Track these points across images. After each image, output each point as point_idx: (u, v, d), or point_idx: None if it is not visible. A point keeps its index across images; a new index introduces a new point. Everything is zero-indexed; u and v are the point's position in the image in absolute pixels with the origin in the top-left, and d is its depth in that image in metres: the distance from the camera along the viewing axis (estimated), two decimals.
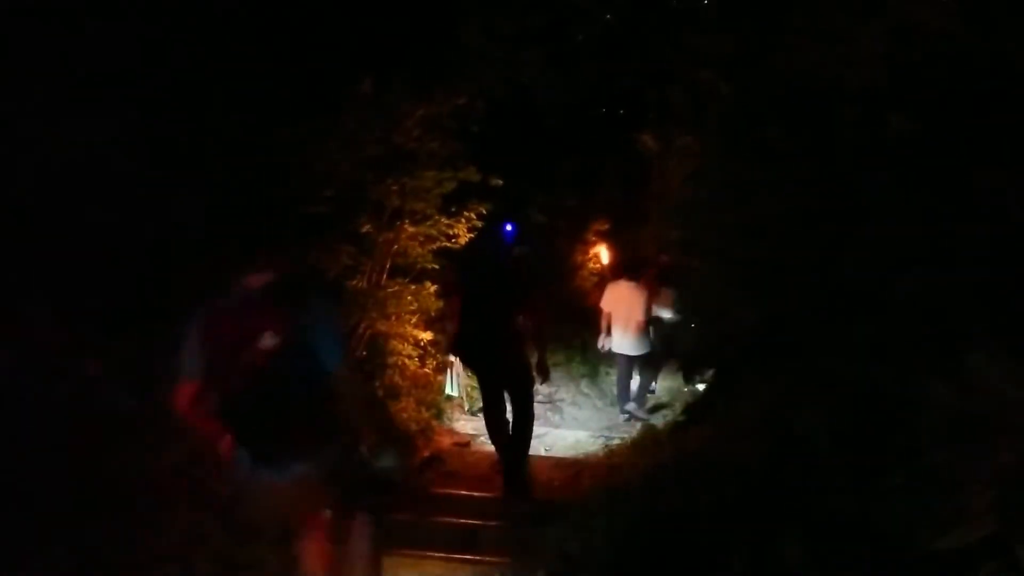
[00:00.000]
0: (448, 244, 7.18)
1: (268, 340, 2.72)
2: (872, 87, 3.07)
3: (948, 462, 2.16)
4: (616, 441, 7.24)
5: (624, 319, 7.97)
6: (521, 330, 5.39)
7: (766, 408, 3.10)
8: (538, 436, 6.81)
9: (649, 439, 5.97)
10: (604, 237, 11.82)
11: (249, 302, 2.83)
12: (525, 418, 5.49)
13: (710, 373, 3.95)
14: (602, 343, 8.42)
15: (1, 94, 3.77)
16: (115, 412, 3.71)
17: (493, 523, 5.07)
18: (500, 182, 7.20)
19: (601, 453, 6.89)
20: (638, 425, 7.84)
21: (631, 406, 8.25)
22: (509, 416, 5.53)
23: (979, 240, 2.60)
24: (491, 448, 6.87)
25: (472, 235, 7.08)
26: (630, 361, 8.18)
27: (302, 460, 2.87)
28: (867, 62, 3.03)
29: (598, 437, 7.89)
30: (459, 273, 5.83)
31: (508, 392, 5.50)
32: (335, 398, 2.94)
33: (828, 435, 2.59)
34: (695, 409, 3.53)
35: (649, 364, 8.19)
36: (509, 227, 5.62)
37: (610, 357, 8.70)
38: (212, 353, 2.83)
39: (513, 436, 5.52)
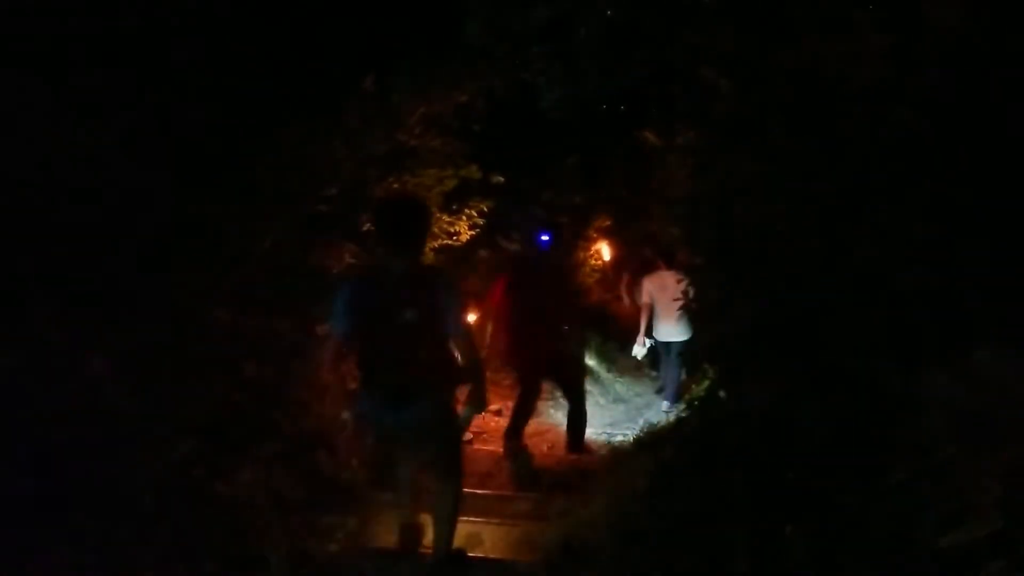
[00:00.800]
0: (450, 242, 7.16)
1: (409, 313, 3.50)
2: (877, 83, 3.06)
3: (953, 459, 2.15)
4: (619, 438, 7.24)
5: (670, 307, 7.87)
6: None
7: (770, 404, 3.10)
8: (540, 433, 6.82)
9: (653, 436, 5.95)
10: (606, 234, 11.81)
11: (394, 282, 3.56)
12: (582, 411, 6.55)
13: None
14: (642, 344, 8.21)
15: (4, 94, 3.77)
16: (120, 411, 3.71)
17: (496, 520, 5.07)
18: (502, 179, 7.20)
19: (604, 450, 6.88)
20: (640, 421, 7.83)
21: (667, 405, 8.17)
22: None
23: (984, 236, 2.60)
24: (491, 447, 6.90)
25: (473, 232, 7.15)
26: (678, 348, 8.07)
27: (422, 403, 3.63)
28: (872, 58, 3.03)
29: (601, 434, 7.89)
30: (510, 283, 6.22)
31: (564, 389, 6.56)
32: (452, 358, 3.75)
33: (832, 431, 2.58)
34: (698, 405, 3.52)
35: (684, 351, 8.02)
36: (545, 236, 6.28)
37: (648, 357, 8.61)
38: (358, 319, 3.59)
39: (573, 430, 6.54)
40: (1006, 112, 2.73)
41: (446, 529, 4.09)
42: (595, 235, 11.99)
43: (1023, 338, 2.28)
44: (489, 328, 6.38)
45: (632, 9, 3.88)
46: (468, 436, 7.38)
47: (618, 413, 8.72)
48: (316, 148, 5.50)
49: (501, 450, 6.50)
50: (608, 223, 11.82)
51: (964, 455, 2.15)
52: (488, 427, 7.66)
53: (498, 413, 8.07)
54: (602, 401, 9.33)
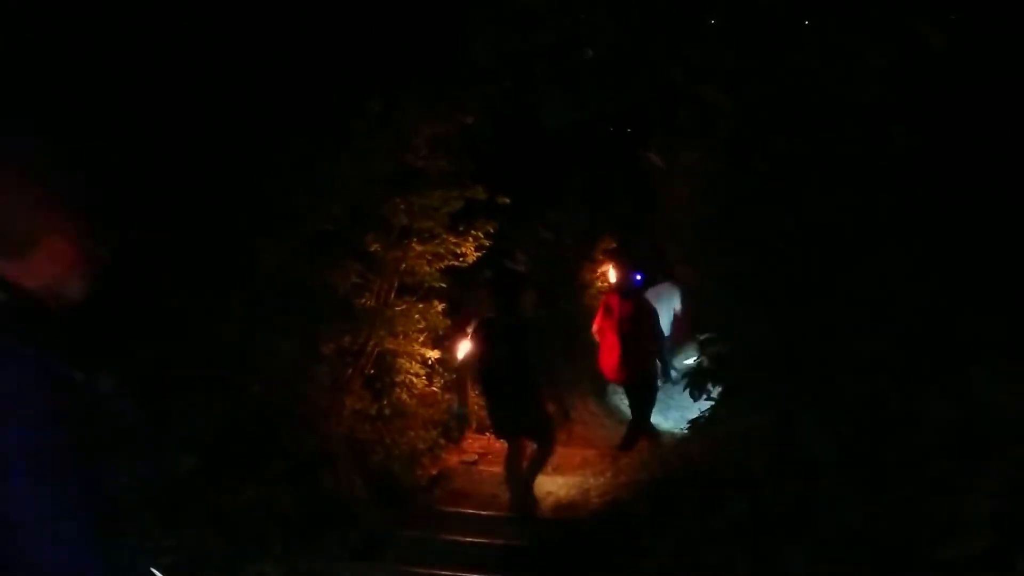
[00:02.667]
0: (456, 263, 7.19)
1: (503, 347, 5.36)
2: (876, 103, 3.08)
3: (948, 474, 2.16)
4: (624, 459, 7.22)
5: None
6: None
7: (772, 422, 3.10)
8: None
9: (656, 457, 5.94)
10: (611, 255, 11.83)
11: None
12: (642, 423, 7.54)
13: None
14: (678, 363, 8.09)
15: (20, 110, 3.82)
16: (125, 426, 3.73)
17: (500, 541, 5.06)
18: (507, 200, 7.23)
19: (609, 471, 6.86)
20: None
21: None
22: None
23: (981, 255, 2.61)
24: (496, 468, 6.89)
25: (479, 253, 7.17)
26: None
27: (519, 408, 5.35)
28: (871, 78, 3.05)
29: (605, 456, 7.87)
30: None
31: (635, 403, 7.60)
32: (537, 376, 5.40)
33: (833, 448, 2.58)
34: (701, 425, 3.53)
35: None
36: (639, 276, 7.79)
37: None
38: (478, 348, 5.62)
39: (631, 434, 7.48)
40: (1001, 133, 2.75)
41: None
42: (601, 257, 12.00)
43: (1015, 355, 2.29)
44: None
45: (635, 30, 3.91)
46: (474, 457, 7.38)
47: (622, 434, 8.69)
48: (322, 167, 5.55)
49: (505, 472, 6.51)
50: (614, 244, 11.84)
51: (958, 471, 2.15)
52: (493, 448, 7.66)
53: None
54: (607, 422, 9.32)
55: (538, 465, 5.71)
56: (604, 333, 7.40)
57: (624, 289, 7.52)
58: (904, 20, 3.06)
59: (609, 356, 7.31)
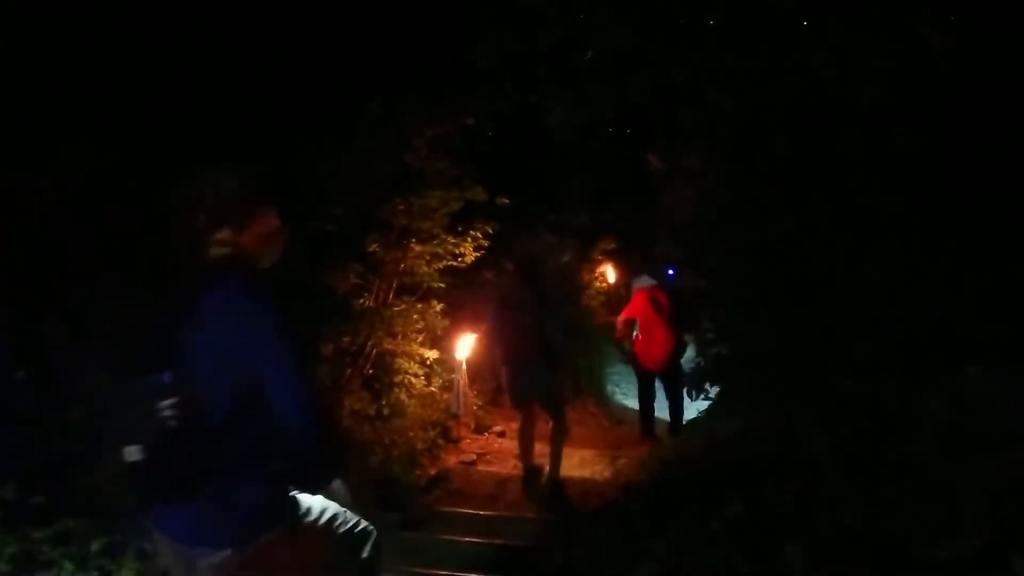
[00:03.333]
0: (455, 263, 7.20)
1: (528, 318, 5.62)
2: (877, 104, 3.09)
3: (945, 474, 2.16)
4: (623, 460, 7.22)
5: None
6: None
7: (771, 422, 3.10)
8: (544, 455, 6.80)
9: (656, 457, 5.94)
10: (611, 256, 11.84)
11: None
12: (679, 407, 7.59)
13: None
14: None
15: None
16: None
17: (499, 541, 5.06)
18: (507, 201, 7.24)
19: (608, 472, 6.87)
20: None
21: None
22: None
23: (980, 256, 2.62)
24: (495, 468, 6.90)
25: (478, 254, 7.19)
26: None
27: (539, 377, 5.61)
28: (871, 79, 3.06)
29: (605, 456, 7.87)
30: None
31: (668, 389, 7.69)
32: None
33: (831, 448, 2.59)
34: (700, 424, 3.53)
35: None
36: (671, 271, 7.91)
37: None
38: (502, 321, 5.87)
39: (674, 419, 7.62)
40: (1001, 134, 2.76)
41: None
42: (600, 257, 12.01)
43: (1012, 356, 2.30)
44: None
45: (637, 31, 3.92)
46: (472, 457, 7.39)
47: (621, 435, 8.70)
48: (323, 168, 5.55)
49: (505, 471, 6.53)
50: (613, 245, 11.85)
51: (955, 471, 2.16)
52: (491, 448, 7.66)
53: (501, 435, 8.06)
54: (606, 423, 9.33)
55: (559, 442, 6.08)
56: (652, 327, 7.64)
57: (665, 284, 7.88)
58: (905, 21, 3.07)
59: (660, 348, 7.56)
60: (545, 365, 5.91)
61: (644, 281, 8.36)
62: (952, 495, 2.12)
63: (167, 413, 1.93)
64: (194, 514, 2.08)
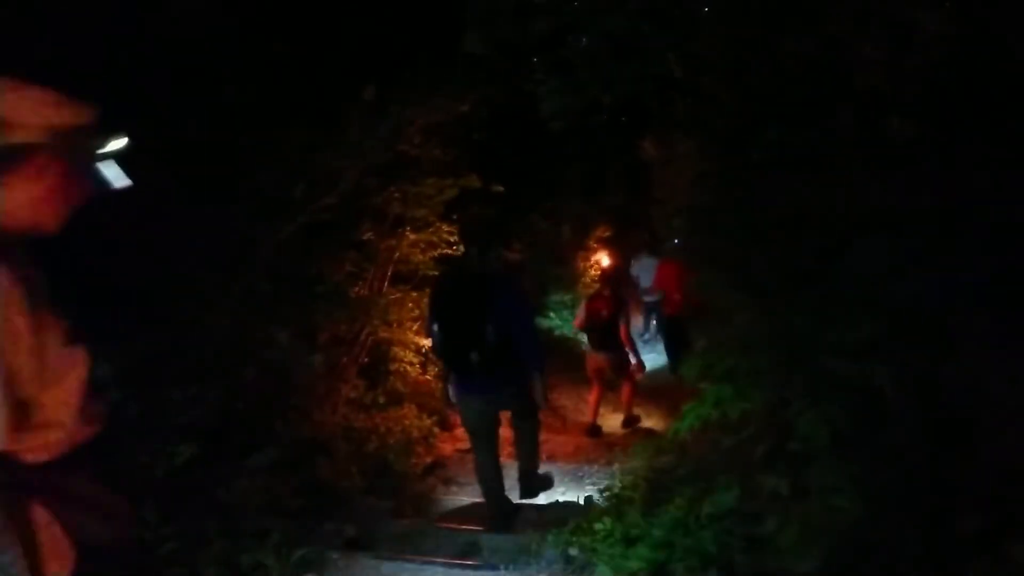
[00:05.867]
0: (449, 251, 7.20)
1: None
2: (870, 91, 3.10)
3: (938, 460, 2.18)
4: (618, 447, 7.26)
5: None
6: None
7: (768, 410, 3.12)
8: (540, 441, 6.83)
9: (651, 443, 5.97)
10: (606, 244, 11.85)
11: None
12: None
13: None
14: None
15: None
16: (121, 417, 3.73)
17: (495, 528, 5.08)
18: (501, 188, 7.23)
19: (603, 458, 6.90)
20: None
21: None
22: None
23: (975, 243, 2.63)
24: None
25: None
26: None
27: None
28: (865, 67, 3.06)
29: (600, 442, 7.91)
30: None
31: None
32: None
33: (825, 434, 2.61)
34: (695, 411, 3.55)
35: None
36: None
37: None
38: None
39: None
40: (997, 121, 2.77)
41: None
42: (595, 245, 12.02)
43: (1004, 344, 2.32)
44: None
45: (631, 20, 3.92)
46: (467, 444, 7.41)
47: (615, 422, 8.73)
48: (318, 157, 5.54)
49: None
50: (608, 233, 11.86)
51: (950, 456, 2.18)
52: None
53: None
54: (600, 410, 9.34)
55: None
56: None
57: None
58: (898, 8, 3.07)
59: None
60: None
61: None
62: (944, 481, 2.14)
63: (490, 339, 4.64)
64: (493, 380, 4.83)
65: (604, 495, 4.81)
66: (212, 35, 4.55)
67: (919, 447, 2.28)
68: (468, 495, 5.97)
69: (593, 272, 12.01)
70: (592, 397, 8.42)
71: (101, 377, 3.87)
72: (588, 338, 8.37)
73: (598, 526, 3.95)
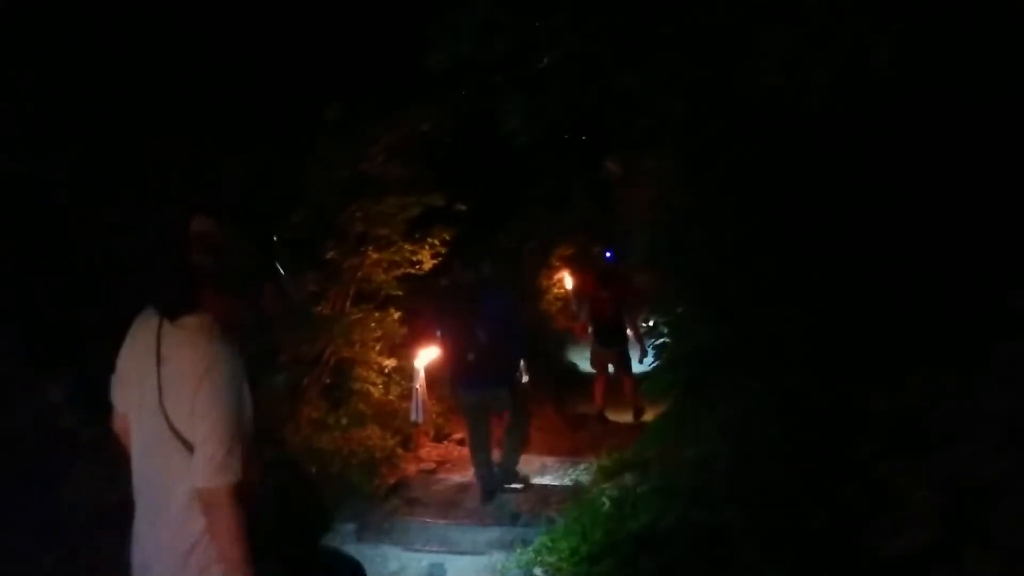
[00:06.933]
0: (412, 270, 7.17)
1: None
2: (824, 111, 3.15)
3: (897, 472, 2.21)
4: (583, 465, 7.24)
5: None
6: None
7: (731, 423, 3.14)
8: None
9: (615, 461, 5.97)
10: (568, 262, 11.88)
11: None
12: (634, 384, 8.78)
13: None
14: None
15: None
16: (76, 437, 3.64)
17: (459, 549, 5.05)
18: (464, 207, 7.23)
19: (568, 477, 6.88)
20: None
21: None
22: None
23: (927, 260, 2.68)
24: (455, 475, 6.87)
25: (436, 260, 7.18)
26: None
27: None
28: (817, 87, 3.12)
29: (564, 461, 7.88)
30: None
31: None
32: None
33: (786, 450, 2.63)
34: (657, 428, 3.56)
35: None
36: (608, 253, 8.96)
37: None
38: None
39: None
40: (944, 142, 2.83)
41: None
42: (558, 263, 12.04)
43: (956, 358, 2.36)
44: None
45: (592, 39, 3.96)
46: (432, 465, 7.35)
47: (581, 441, 8.71)
48: (281, 175, 5.50)
49: (465, 479, 6.51)
50: (571, 251, 11.89)
51: (905, 469, 2.21)
52: (451, 456, 7.63)
53: (461, 442, 8.03)
54: (565, 428, 9.34)
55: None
56: None
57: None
58: (849, 30, 3.14)
59: None
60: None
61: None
62: (904, 493, 2.16)
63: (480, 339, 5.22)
64: (485, 377, 5.36)
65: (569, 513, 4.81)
66: (176, 51, 4.51)
67: (877, 461, 2.31)
68: (432, 516, 5.91)
69: (556, 290, 12.03)
70: (598, 387, 8.95)
71: (54, 401, 3.80)
72: (596, 335, 8.79)
73: (563, 544, 3.94)
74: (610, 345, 8.67)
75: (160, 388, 2.04)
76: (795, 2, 3.27)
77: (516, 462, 6.19)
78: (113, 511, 3.67)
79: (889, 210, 2.89)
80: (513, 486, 6.10)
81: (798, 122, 3.29)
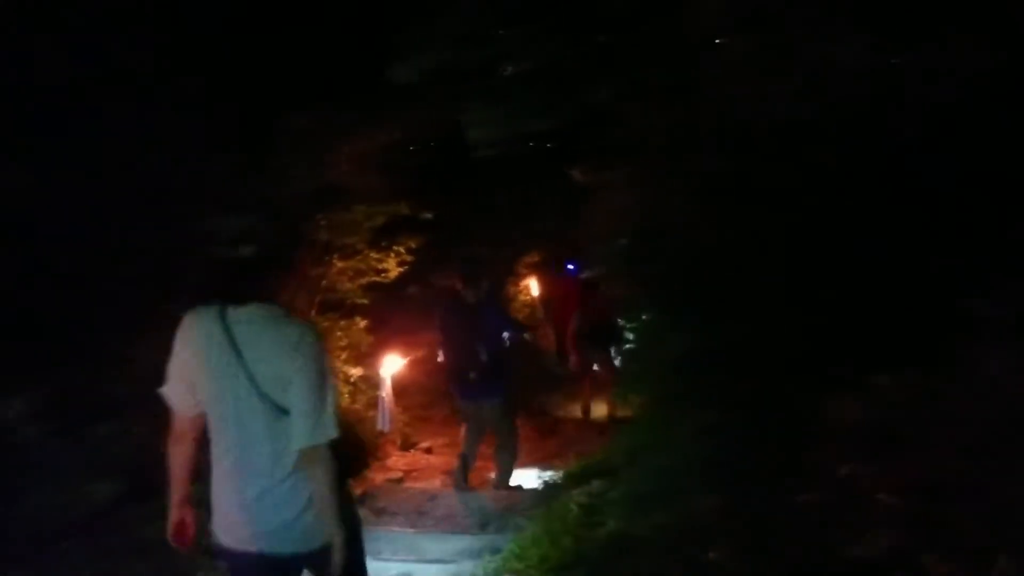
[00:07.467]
0: (378, 279, 7.15)
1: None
2: (791, 121, 3.21)
3: (857, 476, 2.26)
4: (550, 472, 7.26)
5: None
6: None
7: (702, 430, 3.18)
8: (474, 468, 6.81)
9: (583, 468, 5.99)
10: (535, 269, 11.90)
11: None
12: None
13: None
14: None
15: None
16: (36, 455, 3.58)
17: (428, 558, 5.03)
18: (430, 216, 7.23)
19: (538, 483, 6.89)
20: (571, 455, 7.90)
21: None
22: None
23: (888, 267, 2.74)
24: (421, 485, 6.86)
25: (402, 268, 7.18)
26: None
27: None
28: (784, 98, 3.18)
29: (532, 469, 7.89)
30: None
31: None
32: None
33: (752, 456, 2.67)
34: (626, 434, 3.60)
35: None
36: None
37: None
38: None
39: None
40: (907, 150, 2.90)
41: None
42: (525, 271, 12.05)
43: (921, 362, 2.42)
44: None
45: (559, 50, 3.99)
46: (399, 475, 7.32)
47: (549, 448, 8.75)
48: (246, 185, 5.45)
49: (433, 488, 6.50)
50: (538, 259, 11.91)
51: (865, 473, 2.26)
52: (419, 465, 7.61)
53: (428, 451, 8.01)
54: (533, 436, 9.35)
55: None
56: None
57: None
58: (815, 40, 3.20)
59: None
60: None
61: None
62: (864, 497, 2.21)
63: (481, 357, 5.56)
64: (484, 391, 5.72)
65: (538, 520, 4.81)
66: (136, 60, 4.46)
67: (839, 465, 2.36)
68: (399, 525, 5.88)
69: (523, 297, 12.03)
70: (584, 387, 9.40)
71: (15, 414, 3.73)
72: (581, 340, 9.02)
73: (532, 552, 3.95)
74: (596, 347, 8.96)
75: (250, 372, 2.29)
76: (762, 13, 3.33)
77: (508, 481, 6.45)
78: (83, 524, 3.64)
79: (854, 218, 2.95)
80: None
81: (766, 132, 3.35)
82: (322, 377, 2.33)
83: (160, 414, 3.97)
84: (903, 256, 2.78)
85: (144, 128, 4.52)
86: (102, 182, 4.23)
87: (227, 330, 2.32)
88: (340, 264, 6.87)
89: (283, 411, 2.30)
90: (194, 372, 2.38)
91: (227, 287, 2.42)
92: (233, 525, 2.43)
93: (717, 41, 3.74)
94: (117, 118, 4.40)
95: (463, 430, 6.58)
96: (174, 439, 2.49)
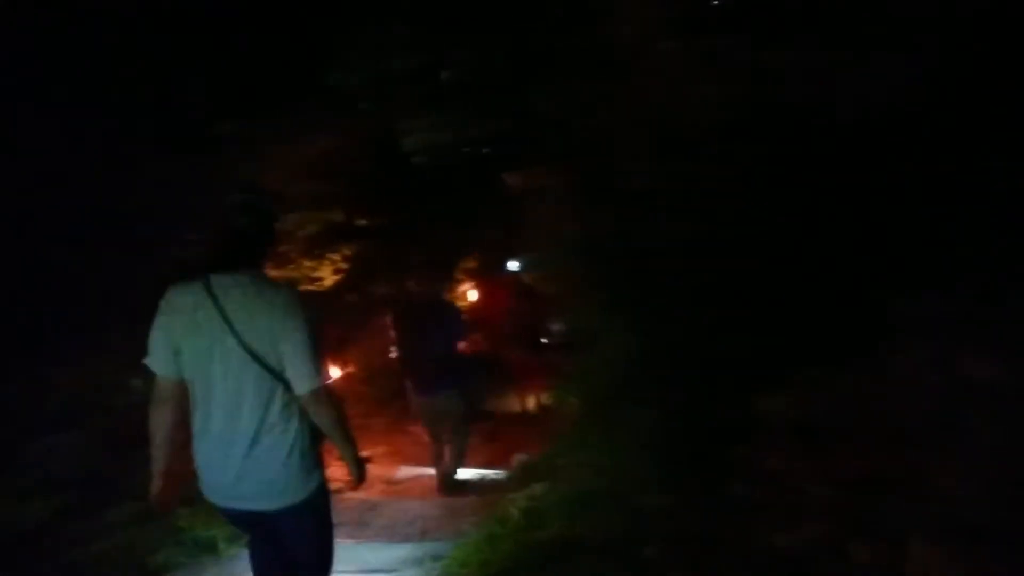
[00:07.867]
0: (312, 287, 7.08)
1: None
2: (719, 125, 3.29)
3: (786, 469, 2.32)
4: (493, 476, 7.26)
5: None
6: None
7: (645, 428, 3.22)
8: (415, 476, 6.79)
9: (526, 473, 6.02)
10: (472, 275, 11.87)
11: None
12: None
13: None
14: None
15: None
16: None
17: (370, 568, 4.99)
18: (365, 222, 7.19)
19: (480, 489, 6.89)
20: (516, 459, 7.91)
21: None
22: None
23: (815, 268, 2.83)
24: (363, 493, 6.80)
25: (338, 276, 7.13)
26: None
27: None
28: (711, 103, 3.25)
29: (476, 474, 7.88)
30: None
31: None
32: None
33: (688, 452, 2.73)
34: (568, 440, 3.63)
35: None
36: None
37: None
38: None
39: None
40: (834, 154, 3.00)
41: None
42: (462, 276, 12.02)
43: (846, 359, 2.51)
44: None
45: (494, 57, 4.02)
46: (339, 485, 7.23)
47: (492, 453, 8.75)
48: (176, 193, 5.35)
49: (373, 498, 6.45)
50: (475, 264, 11.89)
51: (794, 465, 2.33)
52: None
53: (368, 460, 7.93)
54: (476, 441, 9.33)
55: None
56: None
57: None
58: (736, 49, 3.29)
59: None
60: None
61: None
62: (793, 489, 2.29)
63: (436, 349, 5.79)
64: (441, 383, 5.95)
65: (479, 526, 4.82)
66: (75, 65, 4.35)
67: (767, 458, 2.43)
68: (341, 536, 5.80)
69: (459, 302, 12.00)
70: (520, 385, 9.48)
71: None
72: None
73: (473, 558, 3.95)
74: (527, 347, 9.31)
75: (237, 333, 2.46)
76: (691, 17, 3.41)
77: (455, 469, 6.65)
78: (33, 533, 3.52)
79: (783, 220, 3.04)
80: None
81: (695, 135, 3.42)
82: (314, 331, 2.54)
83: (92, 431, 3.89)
84: (829, 257, 2.87)
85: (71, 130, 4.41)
86: (35, 188, 4.12)
87: (214, 296, 2.49)
88: (273, 273, 6.77)
89: (271, 371, 2.49)
90: (180, 338, 2.52)
91: (219, 255, 2.59)
92: (220, 485, 2.61)
93: (648, 46, 3.81)
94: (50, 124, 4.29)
95: (428, 441, 6.72)
96: (156, 403, 2.60)
